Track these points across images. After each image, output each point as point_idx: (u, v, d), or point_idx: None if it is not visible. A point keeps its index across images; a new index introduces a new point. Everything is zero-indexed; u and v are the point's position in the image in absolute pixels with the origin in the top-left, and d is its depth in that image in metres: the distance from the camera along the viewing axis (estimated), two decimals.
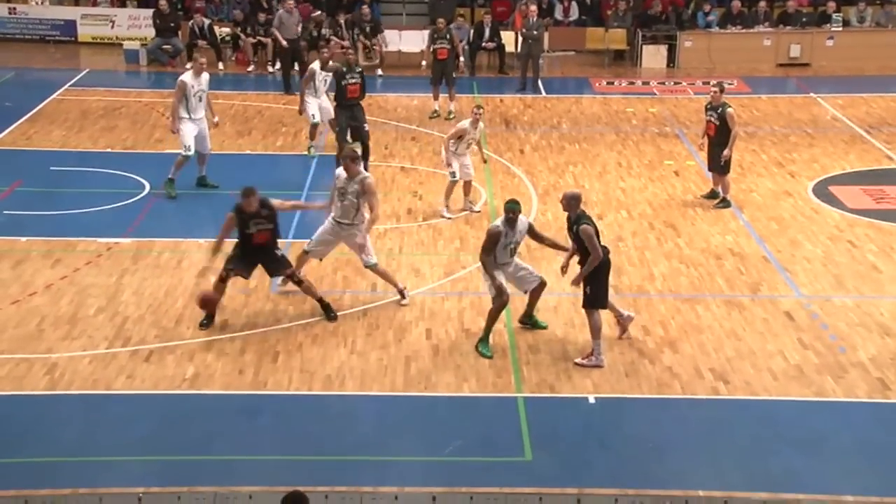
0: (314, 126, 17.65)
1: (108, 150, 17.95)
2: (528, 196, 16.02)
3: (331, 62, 17.42)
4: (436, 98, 20.62)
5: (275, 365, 10.76)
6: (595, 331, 10.87)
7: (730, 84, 22.17)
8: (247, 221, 11.35)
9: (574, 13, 26.84)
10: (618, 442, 9.73)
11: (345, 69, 16.70)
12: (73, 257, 13.36)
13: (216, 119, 16.20)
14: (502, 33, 24.90)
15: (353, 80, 16.60)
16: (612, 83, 24.20)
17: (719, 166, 15.53)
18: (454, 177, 15.14)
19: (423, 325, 11.77)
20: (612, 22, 26.12)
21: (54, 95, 21.61)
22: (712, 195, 15.97)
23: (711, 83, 16.28)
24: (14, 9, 26.46)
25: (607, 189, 16.58)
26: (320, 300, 11.85)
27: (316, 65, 17.57)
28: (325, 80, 17.48)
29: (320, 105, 17.57)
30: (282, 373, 10.61)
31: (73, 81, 22.98)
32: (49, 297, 12.20)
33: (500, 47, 24.70)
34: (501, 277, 11.13)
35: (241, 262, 11.55)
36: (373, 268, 12.22)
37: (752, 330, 11.76)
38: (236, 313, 11.87)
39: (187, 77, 15.58)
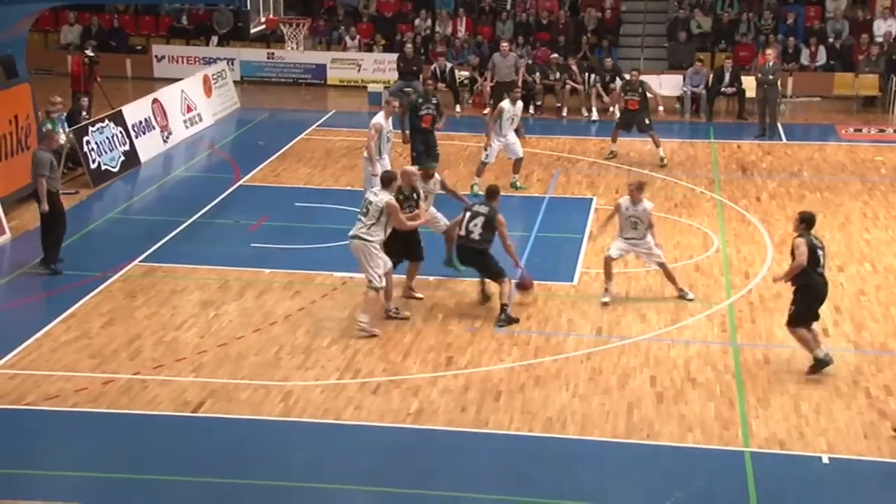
0: (483, 164, 18.14)
1: (349, 187, 18.69)
2: (763, 245, 15.55)
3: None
4: (614, 140, 20.70)
5: (497, 404, 10.83)
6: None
7: None
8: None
9: (821, 58, 25.95)
10: None
11: (421, 100, 18.08)
12: (312, 290, 13.95)
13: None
14: (743, 78, 24.25)
15: (428, 111, 17.89)
16: (861, 130, 23.16)
17: None
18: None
19: (648, 372, 11.55)
20: (863, 67, 25.02)
21: (302, 135, 22.71)
22: None
23: None
24: (272, 54, 28.08)
25: (850, 240, 15.83)
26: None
27: (505, 103, 18.03)
28: (513, 119, 17.93)
29: (506, 143, 17.99)
30: (503, 412, 10.65)
31: (319, 122, 24.11)
32: (287, 327, 12.78)
33: (740, 92, 24.05)
34: None
35: None
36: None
37: None
38: (461, 350, 12.05)
39: (380, 119, 16.04)
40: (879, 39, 25.80)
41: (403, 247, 13.09)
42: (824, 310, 12.62)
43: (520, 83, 23.04)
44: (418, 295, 13.50)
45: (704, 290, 13.95)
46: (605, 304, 13.31)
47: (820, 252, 11.34)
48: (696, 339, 12.44)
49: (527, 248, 15.21)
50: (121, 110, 20.37)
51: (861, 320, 12.78)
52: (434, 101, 18.17)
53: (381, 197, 12.39)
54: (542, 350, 11.97)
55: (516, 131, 18.09)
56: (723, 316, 13.18)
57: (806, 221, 11.44)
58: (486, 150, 18.02)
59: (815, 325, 11.50)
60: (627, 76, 21.24)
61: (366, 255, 12.26)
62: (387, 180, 12.59)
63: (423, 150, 17.91)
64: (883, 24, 26.27)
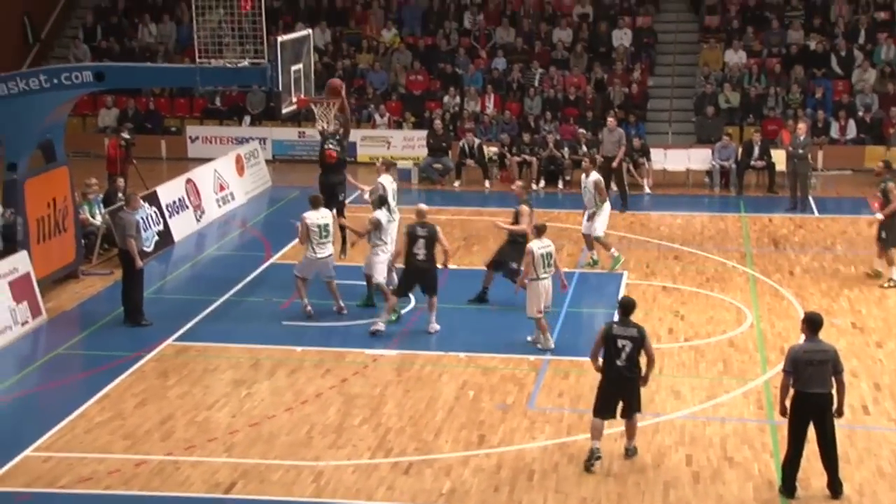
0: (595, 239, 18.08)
1: None
2: (798, 319, 15.36)
3: None
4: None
5: (530, 483, 10.71)
6: None
7: None
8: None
9: (851, 131, 26.06)
10: None
11: (328, 135, 17.63)
12: (342, 367, 13.96)
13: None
14: (773, 151, 24.32)
15: (331, 147, 17.55)
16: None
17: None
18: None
19: (683, 451, 11.42)
20: (894, 140, 25.09)
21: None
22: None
23: None
24: (303, 133, 28.45)
25: (888, 315, 15.69)
26: None
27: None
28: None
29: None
30: (537, 492, 10.53)
31: (350, 199, 24.36)
32: (318, 406, 12.77)
33: (770, 166, 24.10)
34: None
35: None
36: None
37: None
38: (493, 428, 11.98)
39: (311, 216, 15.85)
40: None
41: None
42: (864, 386, 12.54)
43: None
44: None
45: (740, 367, 13.85)
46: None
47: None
48: (732, 416, 12.31)
49: (558, 323, 15.19)
50: (155, 191, 20.66)
51: None
52: (337, 139, 17.81)
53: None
54: (574, 427, 11.86)
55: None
56: (759, 392, 13.08)
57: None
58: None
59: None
60: None
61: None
62: None
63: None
64: None
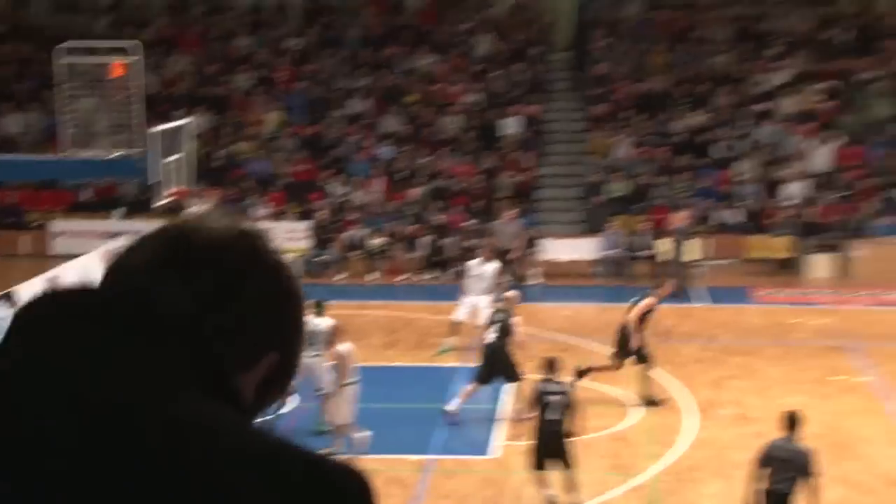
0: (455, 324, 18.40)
1: None
2: (686, 410, 15.66)
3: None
4: None
5: None
6: None
7: None
8: None
9: (736, 220, 26.99)
10: None
11: None
12: None
13: None
14: (659, 241, 24.93)
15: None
16: (776, 293, 23.79)
17: None
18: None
19: None
20: (776, 229, 25.93)
21: None
22: None
23: None
24: None
25: (769, 405, 15.93)
26: None
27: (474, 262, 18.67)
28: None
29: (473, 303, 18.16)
30: None
31: None
32: None
33: (657, 255, 24.73)
34: None
35: None
36: None
37: None
38: None
39: None
40: (792, 202, 26.81)
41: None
42: None
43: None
44: None
45: (627, 461, 13.79)
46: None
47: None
48: None
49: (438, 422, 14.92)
50: (9, 292, 19.99)
51: None
52: None
53: None
54: None
55: None
56: (647, 488, 13.06)
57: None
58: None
59: None
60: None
61: None
62: None
63: None
64: (794, 186, 27.35)
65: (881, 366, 17.98)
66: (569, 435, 11.89)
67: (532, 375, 14.54)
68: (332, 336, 14.17)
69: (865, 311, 21.67)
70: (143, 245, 1.44)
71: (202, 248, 1.42)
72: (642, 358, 15.77)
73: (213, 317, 1.37)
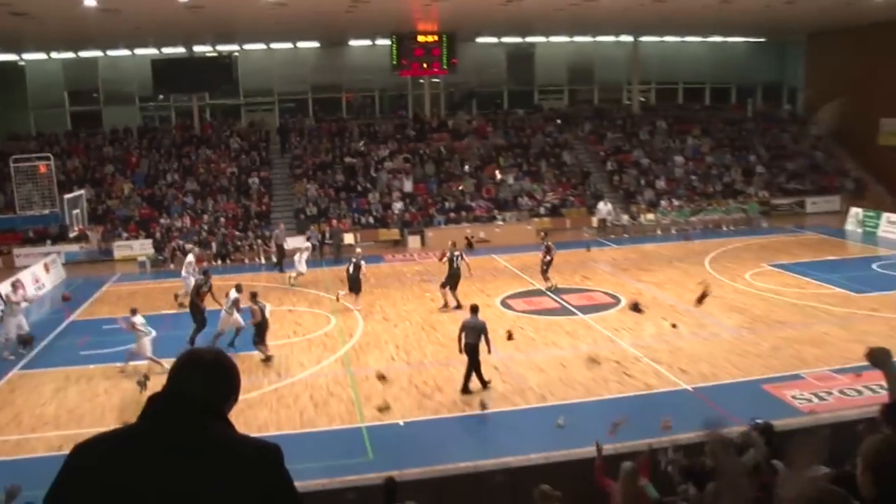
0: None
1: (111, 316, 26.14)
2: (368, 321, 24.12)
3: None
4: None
5: None
6: None
7: None
8: None
9: (370, 221, 40.53)
10: None
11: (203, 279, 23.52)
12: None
13: None
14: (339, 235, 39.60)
15: (207, 290, 23.88)
16: (393, 256, 36.83)
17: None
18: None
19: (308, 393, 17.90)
20: (392, 225, 40.61)
21: (98, 292, 32.08)
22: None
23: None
24: (82, 246, 40.25)
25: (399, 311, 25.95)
26: None
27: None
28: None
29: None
30: None
31: (111, 281, 34.27)
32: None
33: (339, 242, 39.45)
34: None
35: None
36: None
37: None
38: None
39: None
40: (396, 212, 40.54)
41: None
42: None
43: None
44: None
45: (333, 346, 20.67)
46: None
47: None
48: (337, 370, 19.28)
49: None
50: None
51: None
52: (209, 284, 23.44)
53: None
54: None
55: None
56: (341, 359, 20.08)
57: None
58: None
59: None
60: None
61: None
62: None
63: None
64: (398, 204, 40.71)
65: None
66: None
67: None
68: (238, 299, 20.39)
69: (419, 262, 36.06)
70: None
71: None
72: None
73: (216, 399, 3.21)
